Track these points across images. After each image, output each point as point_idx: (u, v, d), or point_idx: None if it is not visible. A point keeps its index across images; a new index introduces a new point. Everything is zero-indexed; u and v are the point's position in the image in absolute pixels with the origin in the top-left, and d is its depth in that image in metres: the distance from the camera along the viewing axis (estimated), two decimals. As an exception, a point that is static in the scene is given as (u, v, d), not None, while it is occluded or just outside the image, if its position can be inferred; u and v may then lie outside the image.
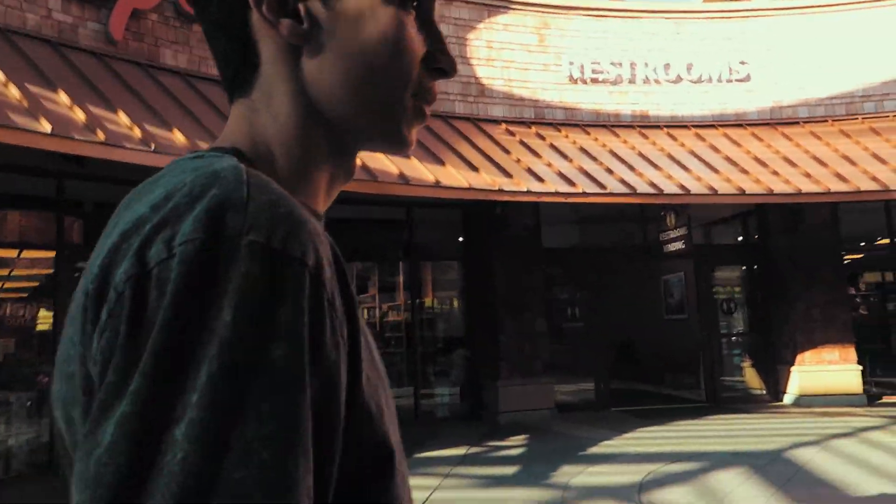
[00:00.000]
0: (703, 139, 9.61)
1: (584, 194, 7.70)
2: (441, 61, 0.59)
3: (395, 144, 0.59)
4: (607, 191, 7.79)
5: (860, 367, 9.68)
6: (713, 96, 10.15)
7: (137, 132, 5.48)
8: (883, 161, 8.78)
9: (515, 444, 7.60)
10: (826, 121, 9.98)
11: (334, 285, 0.46)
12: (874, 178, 8.35)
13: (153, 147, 5.32)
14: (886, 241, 10.49)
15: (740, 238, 11.40)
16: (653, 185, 8.08)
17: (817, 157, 8.99)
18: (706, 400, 10.20)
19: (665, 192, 8.00)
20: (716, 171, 8.63)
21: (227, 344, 0.40)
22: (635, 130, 9.79)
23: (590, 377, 10.38)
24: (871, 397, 9.80)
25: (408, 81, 0.57)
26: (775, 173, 8.58)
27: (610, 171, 8.28)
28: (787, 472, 5.89)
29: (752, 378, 10.67)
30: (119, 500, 0.37)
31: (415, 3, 0.57)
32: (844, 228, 10.43)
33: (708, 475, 5.87)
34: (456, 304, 10.45)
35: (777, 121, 10.05)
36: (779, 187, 8.25)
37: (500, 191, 7.51)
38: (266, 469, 0.38)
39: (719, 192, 8.10)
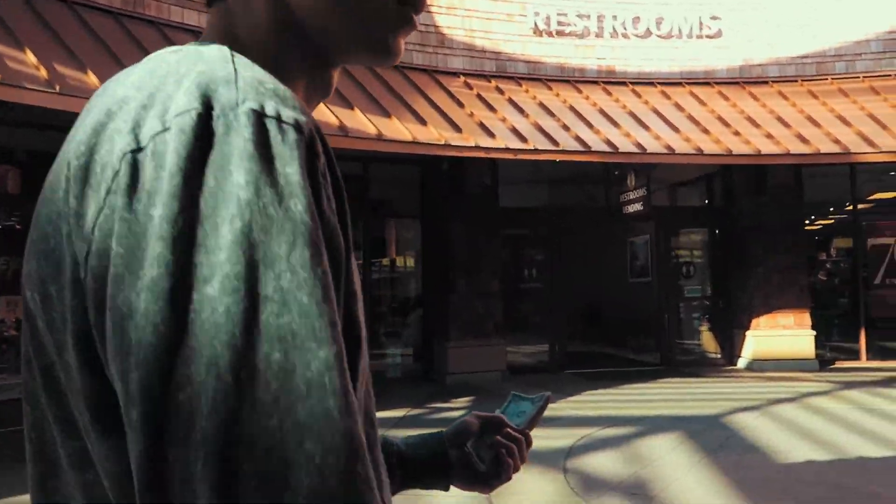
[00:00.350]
0: (668, 97, 9.32)
1: (536, 151, 7.43)
2: None
3: (380, 53, 0.57)
4: (559, 148, 7.52)
5: (814, 333, 9.63)
6: (683, 52, 9.81)
7: (44, 72, 5.11)
8: (847, 123, 8.55)
9: (458, 406, 7.49)
10: (796, 80, 9.70)
11: (325, 159, 0.46)
12: (836, 141, 8.14)
13: (58, 88, 4.97)
14: (850, 207, 10.34)
15: (707, 201, 11.21)
16: (609, 143, 7.81)
17: (782, 117, 8.74)
18: (661, 363, 10.15)
19: (620, 150, 7.75)
20: (676, 130, 8.37)
21: (246, 203, 0.40)
22: (599, 86, 9.46)
23: (547, 339, 10.27)
24: (824, 362, 9.79)
25: None
26: (737, 133, 8.34)
27: (566, 128, 8.00)
28: (721, 437, 5.81)
29: (708, 342, 10.63)
30: (166, 360, 0.38)
31: None
32: (812, 193, 10.27)
33: (641, 440, 5.78)
34: (413, 263, 10.24)
35: (746, 79, 9.75)
36: (738, 148, 8.02)
37: (447, 145, 7.22)
38: (307, 314, 0.39)
39: (676, 152, 7.86)
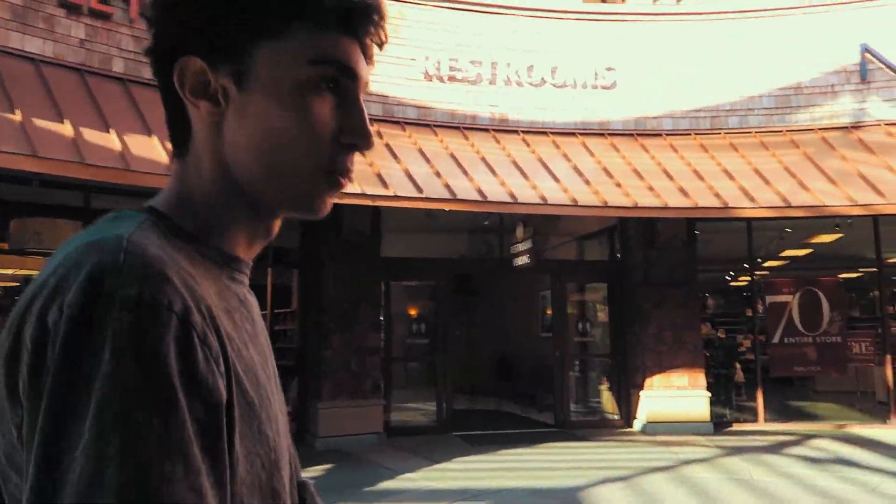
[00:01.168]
0: (558, 147, 9.05)
1: (397, 197, 6.97)
2: (353, 138, 0.65)
3: (308, 213, 0.66)
4: (423, 195, 7.09)
5: (708, 394, 9.25)
6: (577, 102, 9.61)
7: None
8: (731, 177, 8.37)
9: (312, 476, 6.79)
10: (689, 134, 9.56)
11: (207, 327, 0.54)
12: (717, 195, 7.91)
13: None
14: (747, 265, 10.13)
15: (609, 256, 10.91)
16: (480, 192, 7.43)
17: (668, 171, 8.52)
18: (556, 424, 9.62)
19: (490, 199, 7.36)
20: (557, 180, 8.05)
21: (108, 376, 0.48)
22: (490, 134, 9.15)
23: (435, 399, 9.64)
24: (721, 424, 9.40)
25: (317, 158, 0.64)
26: (619, 185, 8.05)
27: (438, 175, 7.59)
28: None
29: (608, 402, 10.17)
30: None
31: (332, 85, 0.64)
32: (708, 250, 10.05)
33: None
34: (291, 316, 9.59)
35: (640, 132, 9.57)
36: (615, 200, 7.71)
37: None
38: (142, 470, 0.47)
39: (548, 202, 7.50)
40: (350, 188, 6.73)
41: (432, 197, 7.07)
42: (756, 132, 9.42)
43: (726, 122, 9.64)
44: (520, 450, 8.10)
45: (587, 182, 8.04)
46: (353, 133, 0.64)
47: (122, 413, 0.47)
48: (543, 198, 7.51)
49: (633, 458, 7.49)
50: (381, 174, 7.23)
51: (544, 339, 12.02)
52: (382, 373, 8.88)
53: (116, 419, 0.47)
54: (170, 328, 0.50)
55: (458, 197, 7.18)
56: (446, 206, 7.22)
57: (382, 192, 6.86)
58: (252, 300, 0.69)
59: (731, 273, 10.60)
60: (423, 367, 10.71)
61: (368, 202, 6.87)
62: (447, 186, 7.33)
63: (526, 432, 9.27)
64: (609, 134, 9.48)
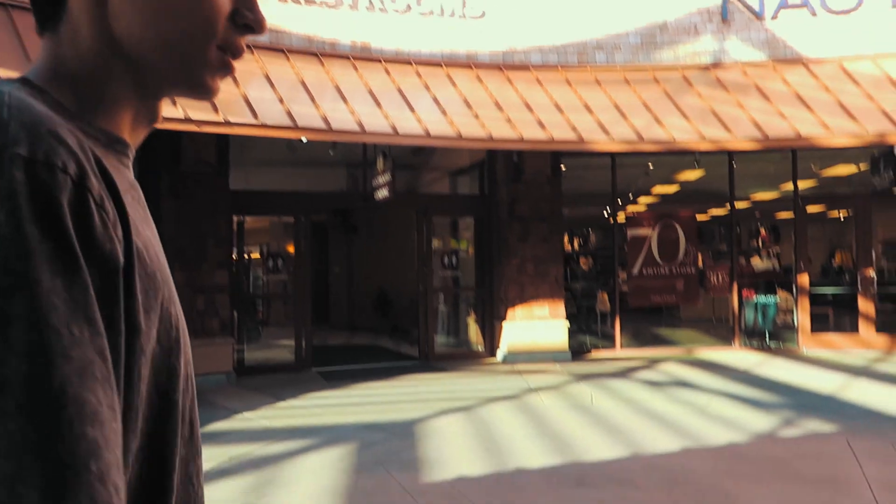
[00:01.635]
0: (420, 77, 8.69)
1: (226, 123, 6.45)
2: (248, 18, 0.62)
3: (197, 92, 0.63)
4: (257, 122, 6.59)
5: (567, 323, 9.48)
6: (445, 32, 9.22)
7: None
8: (591, 112, 8.35)
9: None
10: (557, 68, 9.43)
11: (103, 192, 0.52)
12: (573, 129, 7.87)
13: None
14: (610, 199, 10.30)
15: (479, 190, 10.80)
16: (325, 120, 7.01)
17: (529, 104, 8.38)
18: (420, 357, 9.61)
19: (334, 128, 6.96)
20: (413, 110, 7.73)
21: (5, 237, 0.46)
22: (349, 62, 8.65)
23: (294, 335, 9.36)
24: (580, 352, 9.70)
25: (210, 32, 0.60)
26: (476, 117, 7.85)
27: (280, 101, 7.09)
28: (392, 450, 5.16)
29: (474, 334, 10.25)
30: None
31: None
32: (573, 184, 10.14)
33: (297, 458, 5.01)
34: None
35: (509, 65, 9.34)
36: (470, 131, 7.51)
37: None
38: (51, 330, 0.45)
39: (400, 133, 7.20)
40: (173, 112, 6.15)
41: (268, 124, 6.59)
42: (622, 68, 9.42)
43: (594, 57, 9.57)
44: (376, 383, 8.02)
45: (444, 113, 7.78)
46: (249, 12, 0.62)
47: (25, 274, 0.45)
48: (394, 128, 7.19)
49: (484, 388, 7.56)
50: (214, 100, 6.65)
51: (434, 274, 11.93)
52: (236, 311, 8.48)
53: (20, 280, 0.45)
54: (65, 190, 0.48)
55: (299, 125, 6.74)
56: (283, 134, 6.78)
57: (211, 117, 6.30)
58: (139, 188, 0.64)
59: (607, 209, 10.74)
60: (285, 304, 10.37)
61: (194, 128, 6.31)
62: (288, 114, 6.86)
63: (388, 366, 9.21)
64: (476, 66, 9.20)
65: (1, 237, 0.45)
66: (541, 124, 7.90)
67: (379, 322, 13.15)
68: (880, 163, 9.00)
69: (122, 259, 0.51)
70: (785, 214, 11.21)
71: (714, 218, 12.62)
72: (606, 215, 10.36)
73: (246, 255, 11.68)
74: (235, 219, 9.03)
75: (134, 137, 0.63)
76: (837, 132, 7.72)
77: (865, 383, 7.39)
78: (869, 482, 4.24)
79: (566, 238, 12.06)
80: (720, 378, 7.87)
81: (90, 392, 0.45)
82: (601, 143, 7.75)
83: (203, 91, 0.62)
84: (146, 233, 0.58)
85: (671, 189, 12.79)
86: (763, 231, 12.80)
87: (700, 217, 11.46)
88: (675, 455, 4.87)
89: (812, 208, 10.68)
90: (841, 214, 13.52)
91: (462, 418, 6.17)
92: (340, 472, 4.66)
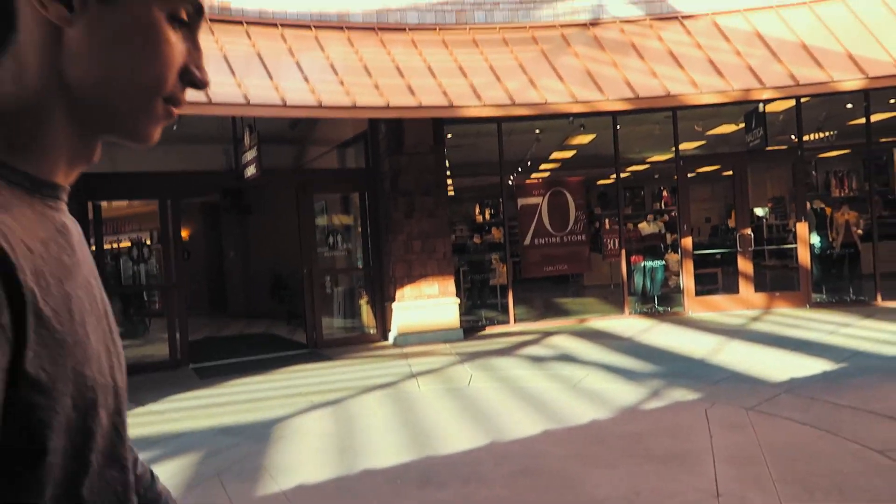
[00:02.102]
0: (285, 41, 8.03)
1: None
2: (195, 76, 0.65)
3: (138, 139, 0.64)
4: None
5: (458, 300, 9.19)
6: (314, -8, 8.56)
7: None
8: (465, 74, 7.94)
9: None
10: (434, 29, 8.94)
11: None
12: (444, 93, 7.45)
13: None
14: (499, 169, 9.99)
15: (365, 164, 10.28)
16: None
17: (400, 68, 7.89)
18: (308, 345, 9.13)
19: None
20: (270, 77, 7.11)
21: None
22: (205, 25, 7.87)
23: (168, 330, 8.68)
24: (473, 330, 9.44)
25: (161, 85, 0.62)
26: (341, 83, 7.30)
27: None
28: (235, 457, 4.71)
29: (367, 316, 9.84)
30: None
31: (185, 20, 0.64)
32: (460, 155, 9.78)
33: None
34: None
35: (383, 26, 8.79)
36: (332, 99, 6.97)
37: None
38: None
39: (252, 103, 6.59)
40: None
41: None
42: (500, 28, 9.03)
43: (472, 16, 9.14)
44: (253, 378, 7.50)
45: (306, 80, 7.19)
46: (196, 70, 0.65)
47: None
48: (246, 97, 6.56)
49: (365, 375, 7.18)
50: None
51: (318, 255, 11.37)
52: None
53: None
54: None
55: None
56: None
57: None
58: (73, 228, 0.64)
59: (497, 178, 10.41)
60: (159, 297, 9.64)
61: None
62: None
63: (273, 357, 8.68)
64: (348, 28, 8.61)
65: None
66: (410, 89, 7.43)
67: (276, 308, 12.54)
68: (752, 121, 9.03)
69: (4, 352, 0.51)
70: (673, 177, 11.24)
71: (603, 184, 12.57)
72: (497, 185, 10.05)
73: (115, 245, 10.80)
74: (90, 205, 8.23)
75: (69, 178, 0.64)
76: (705, 89, 7.61)
77: (737, 344, 7.44)
78: (714, 454, 4.11)
79: (462, 211, 11.75)
80: (604, 348, 7.77)
81: None
82: (472, 109, 7.37)
83: (143, 138, 0.64)
84: (64, 290, 0.57)
85: (562, 155, 12.64)
86: (643, 194, 12.86)
87: (592, 183, 11.35)
88: (533, 440, 4.63)
89: (696, 169, 10.73)
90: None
91: (329, 413, 5.76)
92: (171, 489, 4.16)
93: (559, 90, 7.68)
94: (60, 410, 0.54)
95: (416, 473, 4.15)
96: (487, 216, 13.21)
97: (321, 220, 9.74)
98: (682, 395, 5.55)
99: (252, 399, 6.53)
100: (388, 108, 7.07)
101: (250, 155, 8.00)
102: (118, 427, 0.63)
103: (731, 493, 3.59)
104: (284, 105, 6.70)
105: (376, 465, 4.33)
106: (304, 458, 4.63)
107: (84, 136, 0.62)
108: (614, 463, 4.11)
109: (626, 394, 5.70)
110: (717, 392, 5.56)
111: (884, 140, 10.52)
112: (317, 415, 5.72)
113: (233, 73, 7.00)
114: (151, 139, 0.64)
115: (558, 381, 6.36)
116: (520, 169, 11.85)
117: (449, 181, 12.55)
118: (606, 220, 13.18)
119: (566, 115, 8.42)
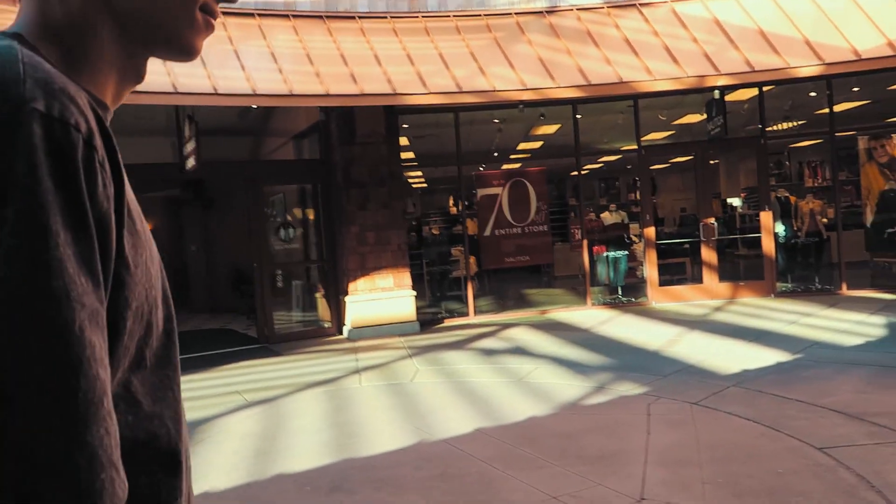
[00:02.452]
0: (226, 29, 7.71)
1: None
2: None
3: (184, 52, 0.65)
4: None
5: (414, 293, 8.95)
6: (260, -22, 8.23)
7: None
8: (412, 62, 7.67)
9: None
10: (385, 17, 8.66)
11: (104, 153, 0.54)
12: (388, 81, 7.18)
13: None
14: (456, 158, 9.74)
15: (320, 156, 9.99)
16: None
17: (346, 56, 7.61)
18: (260, 340, 8.85)
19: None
20: (205, 66, 6.80)
21: (24, 188, 0.48)
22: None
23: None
24: (430, 322, 9.21)
25: None
26: (280, 71, 7.02)
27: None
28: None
29: (323, 310, 9.58)
30: None
31: None
32: (417, 145, 9.52)
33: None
34: None
35: (332, 14, 8.49)
36: (270, 87, 6.69)
37: None
38: (63, 278, 0.48)
39: (181, 91, 6.28)
40: None
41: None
42: (454, 15, 8.76)
43: (425, 4, 8.86)
44: (194, 376, 7.21)
45: (242, 68, 6.89)
46: None
47: (42, 225, 0.48)
48: (174, 86, 6.26)
49: (309, 371, 6.92)
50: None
51: (278, 248, 11.10)
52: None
53: (36, 230, 0.48)
54: (78, 149, 0.50)
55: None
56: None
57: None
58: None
59: (455, 169, 10.17)
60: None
61: None
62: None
63: (222, 353, 8.41)
64: (294, 16, 8.30)
65: (23, 188, 0.48)
66: (353, 77, 7.16)
67: (237, 303, 12.25)
68: (713, 109, 8.84)
69: (114, 218, 0.53)
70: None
71: (565, 174, 12.36)
72: (455, 176, 9.80)
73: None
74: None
75: (117, 98, 0.64)
76: (659, 76, 7.40)
77: (695, 336, 7.26)
78: (648, 454, 3.90)
79: (426, 202, 11.49)
80: (559, 340, 7.56)
81: (98, 337, 0.50)
82: (416, 96, 7.11)
83: (188, 50, 0.65)
84: (131, 193, 0.59)
85: (529, 146, 12.41)
86: (617, 185, 12.69)
87: (553, 173, 11.13)
88: (462, 439, 4.40)
89: (659, 159, 10.53)
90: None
91: (259, 413, 5.50)
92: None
93: (509, 78, 7.44)
94: (138, 296, 0.57)
95: (329, 478, 3.90)
96: (451, 207, 12.97)
97: (275, 213, 9.44)
98: (628, 389, 5.35)
99: (186, 398, 6.24)
100: (327, 95, 6.79)
101: (190, 146, 7.69)
102: (170, 333, 0.64)
103: (655, 498, 3.38)
104: (216, 93, 6.40)
105: (290, 470, 4.09)
106: (218, 462, 4.37)
107: (131, 53, 0.63)
108: (541, 465, 3.88)
109: (571, 389, 5.49)
110: (664, 386, 5.36)
111: (844, 131, 10.29)
112: (246, 414, 5.47)
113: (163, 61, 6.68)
114: (196, 51, 0.65)
115: (505, 375, 6.15)
116: (486, 161, 11.60)
117: (414, 172, 12.29)
118: (571, 211, 12.99)
119: (516, 104, 8.18)
